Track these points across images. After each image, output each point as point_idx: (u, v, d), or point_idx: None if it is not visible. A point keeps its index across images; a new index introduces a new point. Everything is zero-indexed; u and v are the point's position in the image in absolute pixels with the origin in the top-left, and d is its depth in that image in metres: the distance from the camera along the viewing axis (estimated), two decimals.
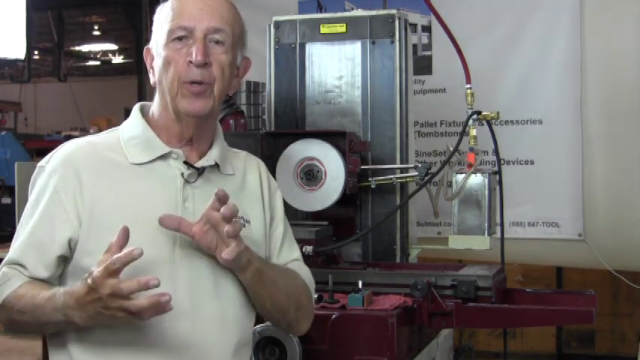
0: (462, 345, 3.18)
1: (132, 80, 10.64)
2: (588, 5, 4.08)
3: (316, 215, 3.05)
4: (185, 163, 1.87)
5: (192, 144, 1.90)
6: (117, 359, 1.77)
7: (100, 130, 2.30)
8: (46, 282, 1.79)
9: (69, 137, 11.31)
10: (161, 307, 1.60)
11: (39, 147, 11.19)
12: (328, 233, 3.00)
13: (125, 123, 1.94)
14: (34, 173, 1.88)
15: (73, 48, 18.05)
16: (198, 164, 1.89)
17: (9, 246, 1.85)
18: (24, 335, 7.29)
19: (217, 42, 1.84)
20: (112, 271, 1.59)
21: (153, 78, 1.90)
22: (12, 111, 14.01)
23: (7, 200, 8.16)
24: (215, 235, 1.76)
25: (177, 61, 1.82)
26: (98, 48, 19.10)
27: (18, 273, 1.78)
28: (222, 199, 1.73)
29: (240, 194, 1.94)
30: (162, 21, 1.87)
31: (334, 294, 2.47)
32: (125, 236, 1.64)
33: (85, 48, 18.89)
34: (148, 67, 1.93)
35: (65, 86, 14.96)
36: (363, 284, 2.49)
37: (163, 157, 1.87)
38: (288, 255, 2.02)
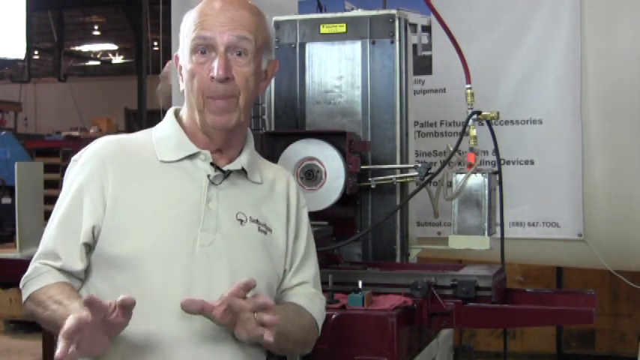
0: (462, 345, 3.17)
1: (132, 80, 10.61)
2: (588, 5, 4.07)
3: (316, 215, 3.04)
4: (212, 164, 1.89)
5: (222, 152, 1.93)
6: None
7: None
8: (74, 285, 1.81)
9: (69, 137, 11.33)
10: None
11: (39, 147, 11.17)
12: (328, 233, 2.99)
13: (159, 124, 1.98)
14: (68, 167, 1.92)
15: (73, 48, 18.04)
16: (225, 167, 1.91)
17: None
18: (24, 335, 7.31)
19: (240, 53, 1.85)
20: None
21: (182, 85, 1.93)
22: (12, 111, 13.99)
23: (7, 200, 8.15)
24: (233, 316, 1.74)
25: (201, 74, 1.85)
26: (98, 48, 19.09)
27: (50, 269, 1.80)
28: (248, 285, 1.72)
29: (264, 203, 1.97)
30: (186, 32, 1.89)
31: (334, 294, 2.47)
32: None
33: (85, 48, 18.88)
34: (179, 73, 1.95)
35: (65, 86, 14.93)
36: (363, 284, 2.48)
37: (191, 157, 1.90)
38: (303, 276, 2.03)
